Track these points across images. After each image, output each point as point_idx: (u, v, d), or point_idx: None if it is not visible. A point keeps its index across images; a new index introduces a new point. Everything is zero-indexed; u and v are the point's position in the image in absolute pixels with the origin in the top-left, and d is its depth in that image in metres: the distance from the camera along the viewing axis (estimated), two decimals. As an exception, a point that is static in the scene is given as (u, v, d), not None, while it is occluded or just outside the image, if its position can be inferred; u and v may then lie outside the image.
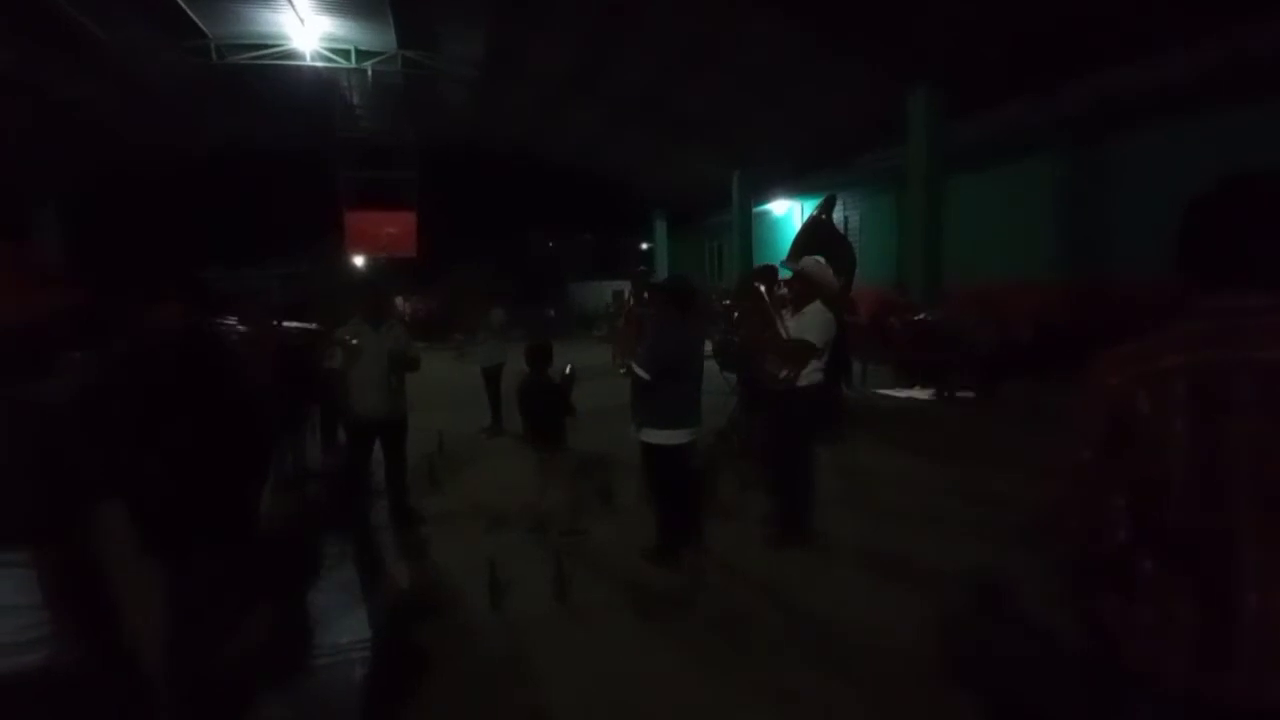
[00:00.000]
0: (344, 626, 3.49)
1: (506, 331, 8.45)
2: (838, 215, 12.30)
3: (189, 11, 12.31)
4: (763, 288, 4.71)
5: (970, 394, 9.01)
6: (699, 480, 4.61)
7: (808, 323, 4.33)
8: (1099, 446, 1.28)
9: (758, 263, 17.96)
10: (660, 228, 27.67)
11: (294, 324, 5.68)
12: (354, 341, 4.56)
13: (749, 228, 19.89)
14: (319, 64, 14.90)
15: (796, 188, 18.26)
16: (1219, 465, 1.16)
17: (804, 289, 4.48)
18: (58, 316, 1.45)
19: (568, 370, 5.03)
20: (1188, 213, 1.30)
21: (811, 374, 4.31)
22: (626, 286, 28.11)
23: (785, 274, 4.98)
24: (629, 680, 2.96)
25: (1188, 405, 1.18)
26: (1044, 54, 10.13)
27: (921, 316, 10.09)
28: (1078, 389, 1.32)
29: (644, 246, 32.58)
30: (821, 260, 4.88)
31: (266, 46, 14.22)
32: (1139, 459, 1.23)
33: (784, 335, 4.39)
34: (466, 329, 8.97)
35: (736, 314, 5.40)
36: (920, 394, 9.68)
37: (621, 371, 4.47)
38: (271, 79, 15.67)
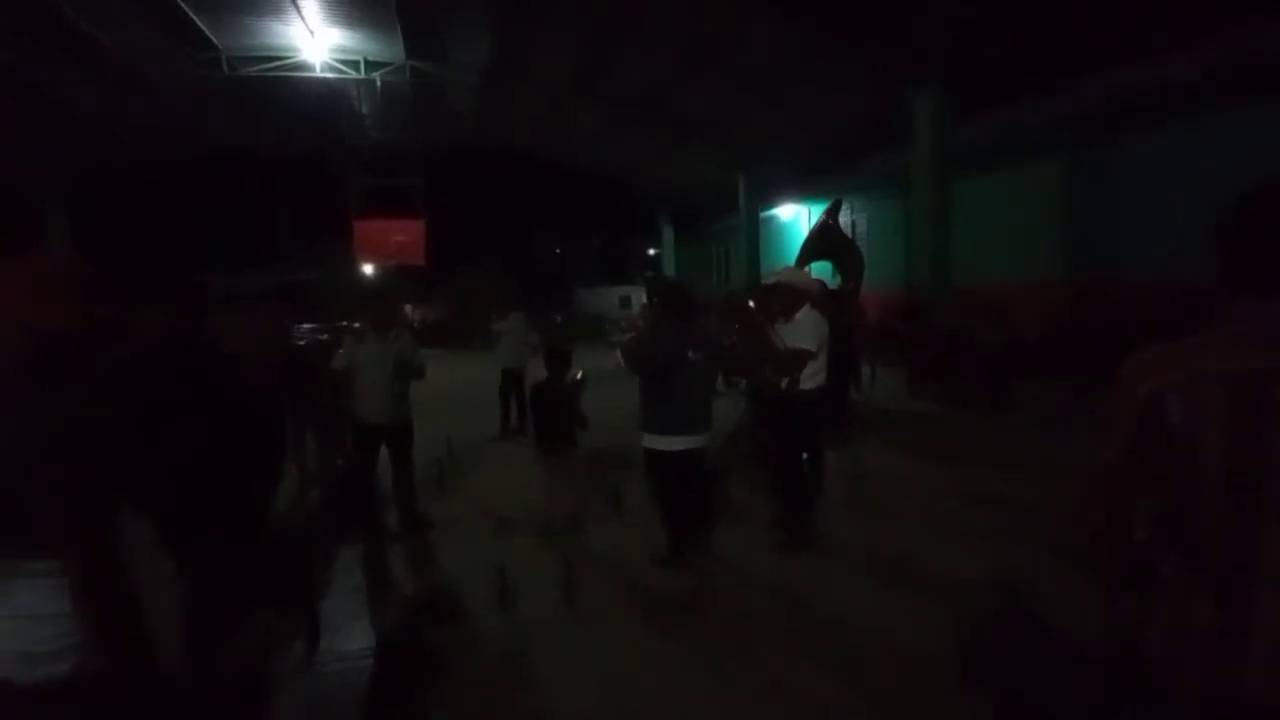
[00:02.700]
0: (351, 630, 3.53)
1: (525, 335, 8.34)
2: (844, 219, 12.31)
3: (201, 25, 12.49)
4: (752, 303, 4.78)
5: (980, 396, 8.96)
6: (707, 486, 4.61)
7: (799, 328, 4.36)
8: (1128, 448, 1.28)
9: (765, 267, 18.01)
10: (667, 232, 27.72)
11: (305, 326, 5.75)
12: (357, 325, 4.63)
13: (756, 232, 19.90)
14: (329, 75, 15.06)
15: (803, 192, 18.27)
16: (1252, 472, 1.17)
17: (789, 297, 4.52)
18: (76, 322, 1.48)
19: (578, 377, 5.06)
20: (1225, 217, 1.29)
21: (813, 376, 4.35)
22: (633, 291, 28.12)
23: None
24: (636, 685, 2.98)
25: (1224, 411, 1.18)
26: (1048, 55, 10.13)
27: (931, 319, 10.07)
28: (1108, 390, 1.32)
29: (651, 251, 32.65)
30: (795, 267, 4.94)
31: (277, 58, 14.39)
32: (1170, 462, 1.23)
33: (779, 345, 4.41)
34: (484, 331, 8.89)
35: (734, 329, 5.46)
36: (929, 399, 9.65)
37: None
38: (282, 89, 15.85)
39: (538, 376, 5.09)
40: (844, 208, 9.63)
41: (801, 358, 4.30)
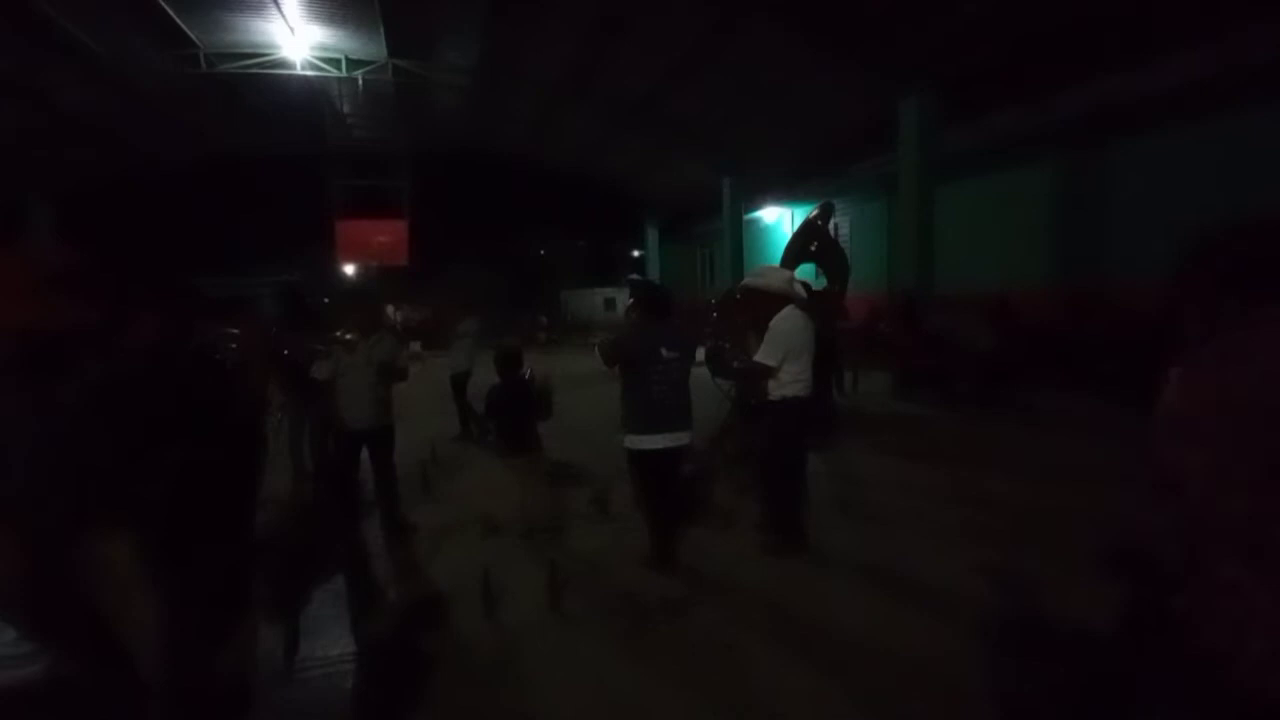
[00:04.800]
0: (337, 636, 3.47)
1: (480, 340, 8.38)
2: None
3: (179, 21, 12.32)
4: (739, 296, 4.67)
5: (968, 399, 9.02)
6: (689, 485, 4.59)
7: (767, 337, 4.20)
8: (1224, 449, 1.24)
9: (748, 269, 18.07)
10: (651, 235, 27.76)
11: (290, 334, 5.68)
12: (349, 337, 4.60)
13: (740, 235, 19.98)
14: (310, 73, 14.91)
15: (787, 195, 18.38)
16: None
17: (761, 302, 4.36)
18: (65, 322, 1.43)
19: (527, 375, 5.06)
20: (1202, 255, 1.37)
21: (788, 386, 4.19)
22: (616, 293, 28.14)
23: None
24: (623, 688, 2.95)
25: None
26: (1036, 61, 10.26)
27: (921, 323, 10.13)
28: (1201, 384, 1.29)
29: (636, 253, 32.66)
30: (773, 266, 4.84)
31: (257, 55, 14.23)
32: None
33: (749, 353, 4.35)
34: (442, 336, 8.91)
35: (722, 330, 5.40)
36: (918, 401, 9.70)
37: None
38: (264, 89, 15.69)
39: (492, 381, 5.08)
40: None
41: (759, 371, 4.23)
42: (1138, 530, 1.39)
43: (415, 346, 11.97)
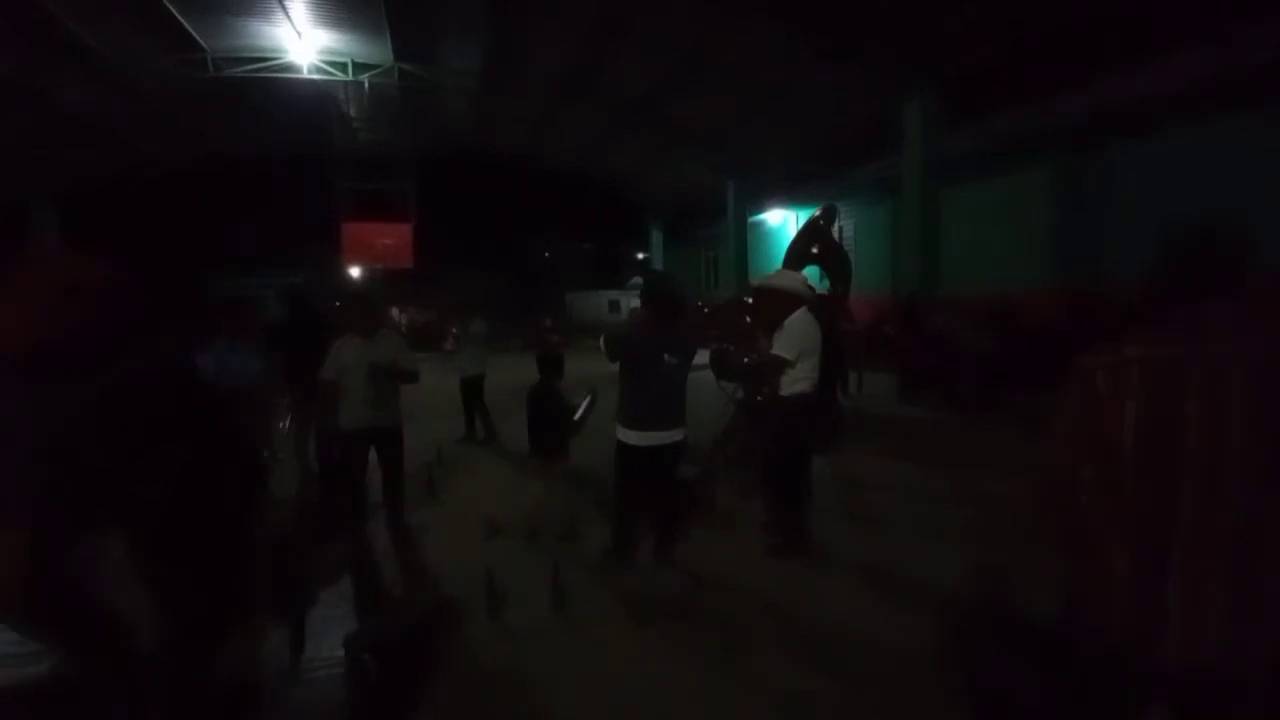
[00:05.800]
0: (339, 637, 3.50)
1: (487, 342, 8.40)
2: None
3: (187, 25, 12.41)
4: (750, 300, 4.71)
5: (971, 401, 9.01)
6: (681, 487, 4.59)
7: (784, 334, 4.29)
8: (1070, 418, 1.54)
9: (753, 272, 18.09)
10: (656, 237, 27.79)
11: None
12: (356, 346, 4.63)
13: (744, 237, 19.98)
14: (316, 76, 15.00)
15: (792, 197, 18.37)
16: (1164, 441, 1.37)
17: (776, 302, 4.43)
18: (65, 325, 1.44)
19: (590, 398, 4.99)
20: (1178, 246, 1.57)
21: (795, 384, 4.27)
22: (620, 295, 27.95)
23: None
24: (628, 690, 2.97)
25: (1139, 387, 1.41)
26: (1038, 61, 10.27)
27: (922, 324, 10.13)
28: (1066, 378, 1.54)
29: (640, 256, 32.69)
30: (785, 270, 4.90)
31: (264, 59, 14.32)
32: (1100, 429, 1.45)
33: (762, 351, 4.38)
34: (452, 339, 8.85)
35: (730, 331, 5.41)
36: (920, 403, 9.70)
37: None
38: (271, 92, 15.78)
39: (529, 380, 5.07)
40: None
41: (776, 365, 4.30)
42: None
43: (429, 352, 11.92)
